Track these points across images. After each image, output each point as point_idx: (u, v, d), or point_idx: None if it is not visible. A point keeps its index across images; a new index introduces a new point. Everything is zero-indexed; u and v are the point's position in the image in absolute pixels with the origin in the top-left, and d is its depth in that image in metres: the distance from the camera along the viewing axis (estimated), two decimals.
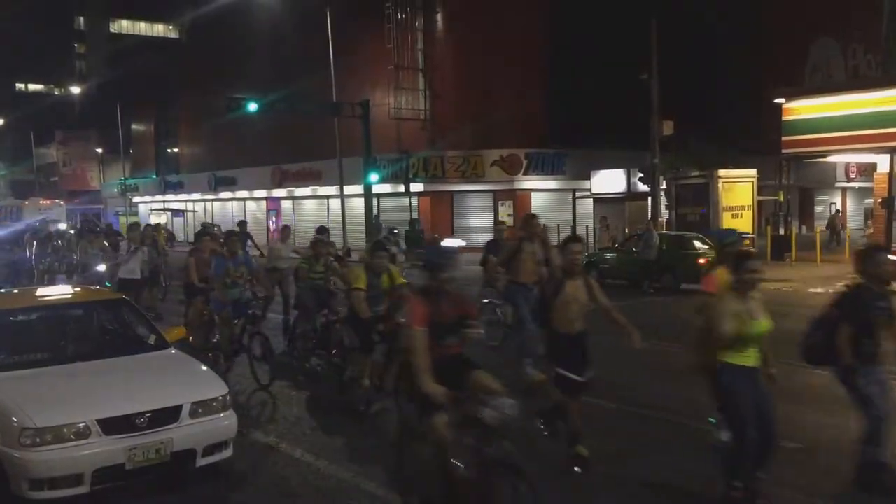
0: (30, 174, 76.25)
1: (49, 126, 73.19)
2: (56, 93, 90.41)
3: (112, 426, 6.07)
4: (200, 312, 11.94)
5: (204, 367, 7.47)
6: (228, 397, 6.83)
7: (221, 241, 14.79)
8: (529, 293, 9.53)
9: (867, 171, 30.54)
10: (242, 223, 22.39)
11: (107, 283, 15.17)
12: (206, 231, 14.70)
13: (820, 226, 32.70)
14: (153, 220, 48.30)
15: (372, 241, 15.43)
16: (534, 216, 10.62)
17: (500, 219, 27.13)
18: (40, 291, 9.08)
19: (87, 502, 6.05)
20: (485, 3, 34.08)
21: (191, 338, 11.35)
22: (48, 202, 50.47)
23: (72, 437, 5.95)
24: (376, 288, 8.68)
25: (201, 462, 6.52)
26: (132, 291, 13.66)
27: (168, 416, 6.33)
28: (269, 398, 9.87)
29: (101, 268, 15.94)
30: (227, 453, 6.76)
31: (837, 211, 34.73)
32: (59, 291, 8.97)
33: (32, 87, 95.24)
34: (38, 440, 5.86)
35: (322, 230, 16.94)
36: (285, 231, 16.13)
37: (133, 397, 6.39)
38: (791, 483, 6.43)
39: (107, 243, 17.03)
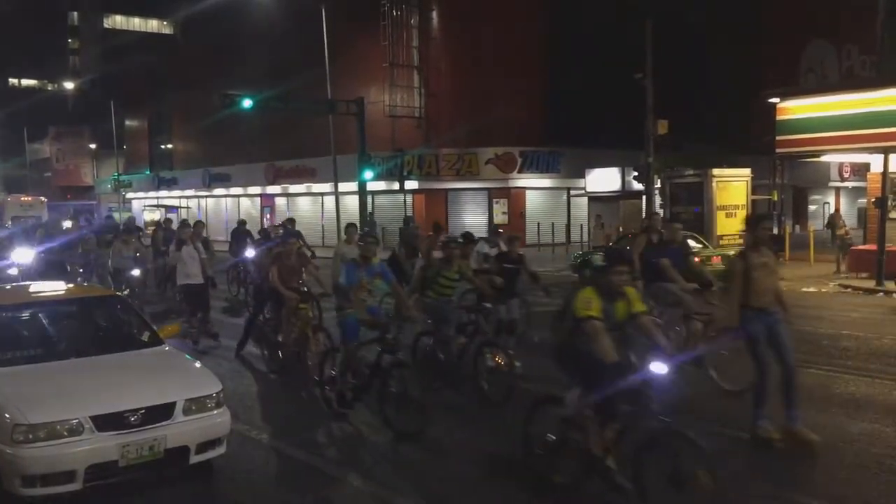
0: (23, 170, 75.98)
1: (42, 122, 72.97)
2: (49, 88, 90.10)
3: (105, 423, 6.06)
4: (303, 334, 10.39)
5: (198, 364, 7.46)
6: (222, 394, 6.82)
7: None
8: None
9: (860, 170, 30.63)
10: (291, 220, 20.84)
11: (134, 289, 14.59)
12: (292, 232, 12.63)
13: (813, 225, 32.77)
14: (147, 216, 48.27)
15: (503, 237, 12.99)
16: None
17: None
18: (34, 287, 9.04)
19: (80, 499, 6.05)
20: (481, 2, 34.07)
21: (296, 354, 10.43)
22: (30, 199, 50.31)
23: (65, 433, 5.94)
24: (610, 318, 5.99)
25: (195, 459, 6.51)
26: (197, 299, 12.87)
27: (162, 412, 6.32)
28: (267, 393, 9.86)
29: (136, 272, 15.15)
30: (221, 450, 6.76)
31: (837, 210, 34.78)
32: (53, 287, 8.93)
33: (26, 82, 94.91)
34: (30, 436, 5.84)
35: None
36: (350, 230, 13.58)
37: (126, 394, 6.38)
38: (788, 483, 6.44)
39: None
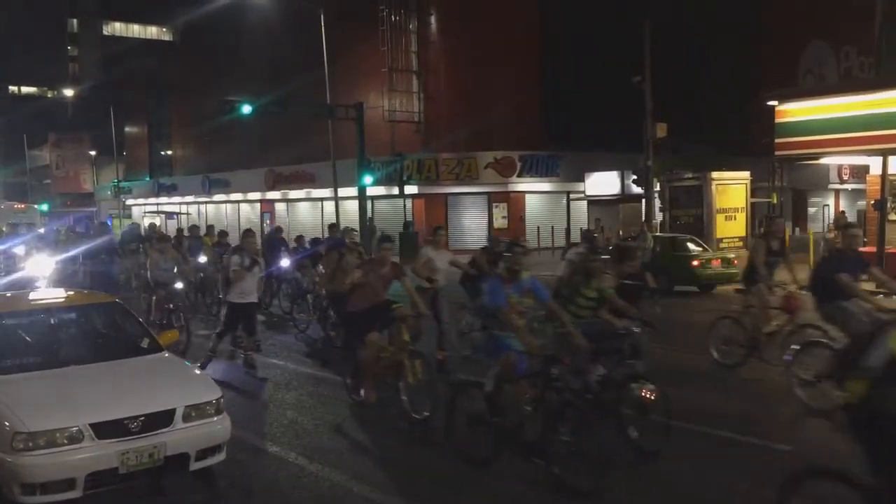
0: (22, 177, 75.99)
1: (42, 128, 72.97)
2: (49, 95, 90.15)
3: (105, 430, 6.05)
4: (396, 361, 8.73)
5: (197, 371, 7.44)
6: (222, 401, 6.81)
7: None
8: None
9: (860, 173, 30.62)
10: (279, 229, 19.76)
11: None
12: (388, 237, 10.08)
13: (812, 227, 32.75)
14: (146, 221, 48.23)
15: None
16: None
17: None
18: (33, 295, 9.03)
19: None
20: (478, 6, 34.11)
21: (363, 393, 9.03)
22: (23, 206, 50.36)
23: (64, 441, 5.92)
24: None
25: (195, 466, 6.50)
26: (247, 321, 11.49)
27: (161, 419, 6.31)
28: (267, 402, 9.86)
29: (179, 285, 13.83)
30: (221, 457, 6.74)
31: (843, 211, 34.69)
32: (52, 294, 8.93)
33: (25, 89, 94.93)
34: (30, 444, 5.83)
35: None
36: (439, 235, 11.74)
37: (126, 401, 6.37)
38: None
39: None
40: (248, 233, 12.23)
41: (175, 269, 13.62)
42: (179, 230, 24.18)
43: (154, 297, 13.30)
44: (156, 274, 13.31)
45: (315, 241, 18.07)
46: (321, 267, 14.35)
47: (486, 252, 12.21)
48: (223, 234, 19.84)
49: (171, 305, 13.15)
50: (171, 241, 15.10)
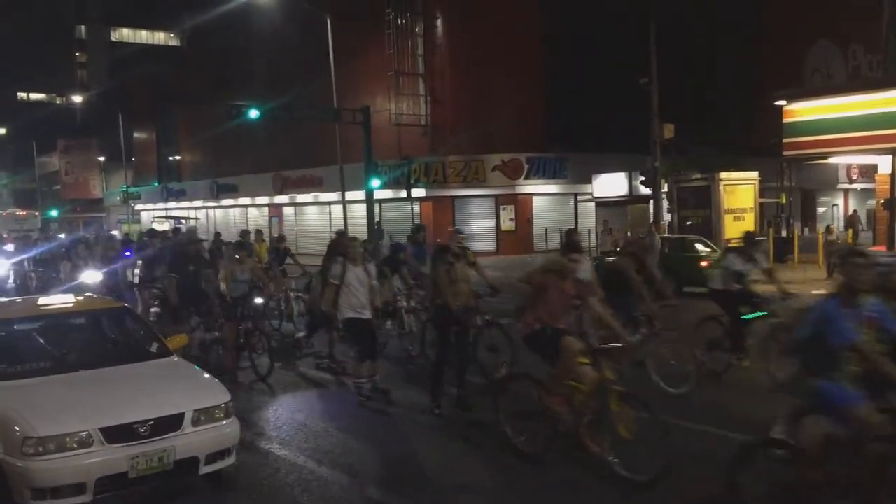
0: (32, 183, 76.39)
1: (51, 135, 73.28)
2: (58, 102, 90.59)
3: (115, 435, 6.07)
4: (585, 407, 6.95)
5: (206, 375, 7.47)
6: (231, 405, 6.83)
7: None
8: None
9: (869, 172, 30.51)
10: (418, 229, 15.89)
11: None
12: (576, 243, 8.76)
13: (822, 227, 32.62)
14: (156, 227, 48.35)
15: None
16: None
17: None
18: (42, 300, 9.08)
19: None
20: (484, 9, 34.11)
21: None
22: (24, 213, 50.73)
23: (74, 445, 5.95)
24: None
25: (204, 470, 6.52)
26: (367, 341, 9.63)
27: (170, 424, 6.33)
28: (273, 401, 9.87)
29: (259, 301, 12.29)
30: (231, 461, 6.76)
31: (855, 211, 34.49)
32: (61, 300, 8.97)
33: (34, 96, 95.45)
34: (40, 449, 5.85)
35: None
36: (572, 238, 9.93)
37: (135, 405, 6.39)
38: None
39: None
40: (343, 235, 11.15)
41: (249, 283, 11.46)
42: (217, 234, 22.13)
43: (223, 319, 11.03)
44: (234, 292, 11.06)
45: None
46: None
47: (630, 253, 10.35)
48: (280, 238, 17.55)
49: (250, 325, 11.12)
50: (248, 248, 12.56)
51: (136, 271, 14.77)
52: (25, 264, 21.97)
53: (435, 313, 9.44)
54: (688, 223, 26.16)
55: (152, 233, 16.75)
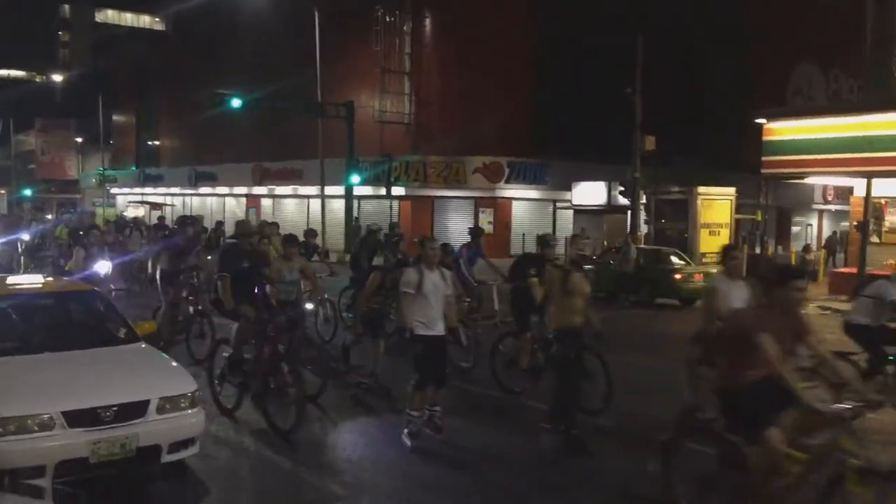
0: (7, 160, 75.40)
1: (29, 113, 72.41)
2: (37, 80, 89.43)
3: (77, 419, 5.98)
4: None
5: (174, 363, 7.39)
6: (197, 394, 6.76)
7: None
8: None
9: (844, 194, 30.85)
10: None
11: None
12: (797, 271, 6.18)
13: (795, 246, 32.97)
14: (130, 212, 47.94)
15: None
16: None
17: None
18: (11, 279, 8.93)
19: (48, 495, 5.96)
20: (473, 11, 34.14)
21: None
22: None
23: (35, 428, 5.86)
24: None
25: (167, 458, 6.44)
26: (436, 363, 7.94)
27: (134, 410, 6.25)
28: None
29: (310, 306, 10.70)
30: (194, 450, 6.69)
31: (835, 232, 34.86)
32: (30, 280, 8.83)
33: (14, 72, 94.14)
34: (0, 430, 5.76)
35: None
36: (731, 257, 7.57)
37: (100, 390, 6.31)
38: None
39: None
40: (387, 230, 9.04)
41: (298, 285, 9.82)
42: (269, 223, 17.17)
43: (269, 325, 8.64)
44: (282, 295, 9.36)
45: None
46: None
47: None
48: (311, 232, 15.88)
49: (300, 335, 9.25)
50: (297, 244, 10.18)
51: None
52: (18, 247, 19.75)
53: (559, 334, 7.89)
54: (666, 234, 26.33)
55: (184, 220, 14.00)
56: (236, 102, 26.95)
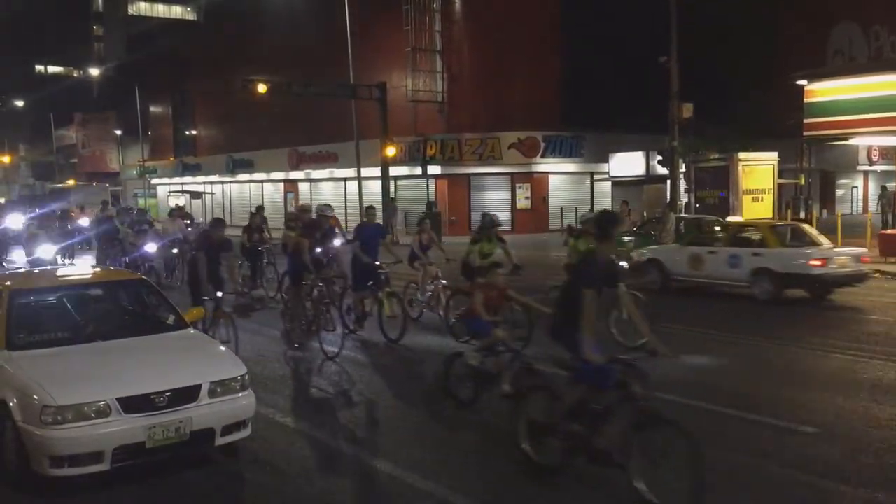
0: (49, 156, 76.80)
1: (68, 108, 73.55)
2: (75, 75, 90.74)
3: (132, 405, 6.12)
4: None
5: (222, 347, 7.50)
6: (247, 377, 6.86)
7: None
8: None
9: (889, 154, 30.17)
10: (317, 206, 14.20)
11: None
12: None
13: (841, 209, 32.28)
14: (171, 202, 48.63)
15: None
16: None
17: None
18: (61, 271, 9.13)
19: (107, 480, 6.11)
20: None
21: None
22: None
23: (92, 415, 6.00)
24: None
25: (220, 441, 6.57)
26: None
27: (187, 395, 6.37)
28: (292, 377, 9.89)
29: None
30: (246, 433, 6.80)
31: (888, 189, 33.79)
32: (80, 271, 9.02)
33: (52, 69, 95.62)
34: (58, 418, 5.91)
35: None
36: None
37: (153, 376, 6.43)
38: (813, 468, 6.38)
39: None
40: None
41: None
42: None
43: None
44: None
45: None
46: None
47: None
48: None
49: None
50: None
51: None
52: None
53: None
54: (707, 202, 25.97)
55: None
56: (262, 89, 27.08)
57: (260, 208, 19.73)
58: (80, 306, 7.96)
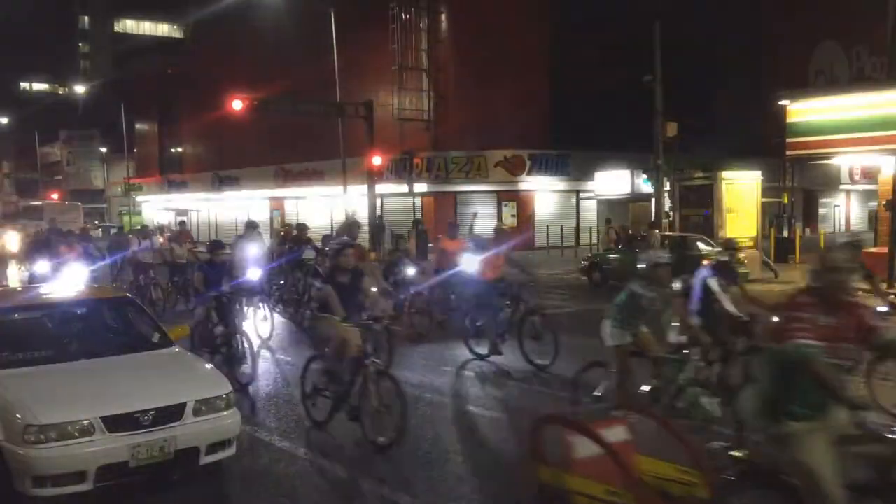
0: (34, 173, 76.43)
1: (53, 125, 73.33)
2: (60, 92, 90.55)
3: (116, 423, 6.07)
4: None
5: (208, 366, 7.47)
6: (232, 395, 6.83)
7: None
8: None
9: (871, 173, 30.46)
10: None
11: None
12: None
13: (823, 228, 32.60)
14: (157, 220, 48.44)
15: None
16: None
17: None
18: (45, 289, 9.08)
19: (90, 500, 6.06)
20: (488, 5, 34.06)
21: None
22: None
23: (76, 434, 5.95)
24: None
25: (205, 460, 6.52)
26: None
27: (172, 413, 6.33)
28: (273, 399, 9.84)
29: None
30: (231, 451, 6.76)
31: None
32: (64, 289, 8.96)
33: (37, 86, 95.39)
34: (41, 437, 5.86)
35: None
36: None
37: (137, 395, 6.39)
38: None
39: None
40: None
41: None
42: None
43: None
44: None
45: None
46: None
47: None
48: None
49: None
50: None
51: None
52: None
53: None
54: (691, 220, 26.12)
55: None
56: (243, 107, 27.12)
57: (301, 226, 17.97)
58: (64, 324, 7.91)
